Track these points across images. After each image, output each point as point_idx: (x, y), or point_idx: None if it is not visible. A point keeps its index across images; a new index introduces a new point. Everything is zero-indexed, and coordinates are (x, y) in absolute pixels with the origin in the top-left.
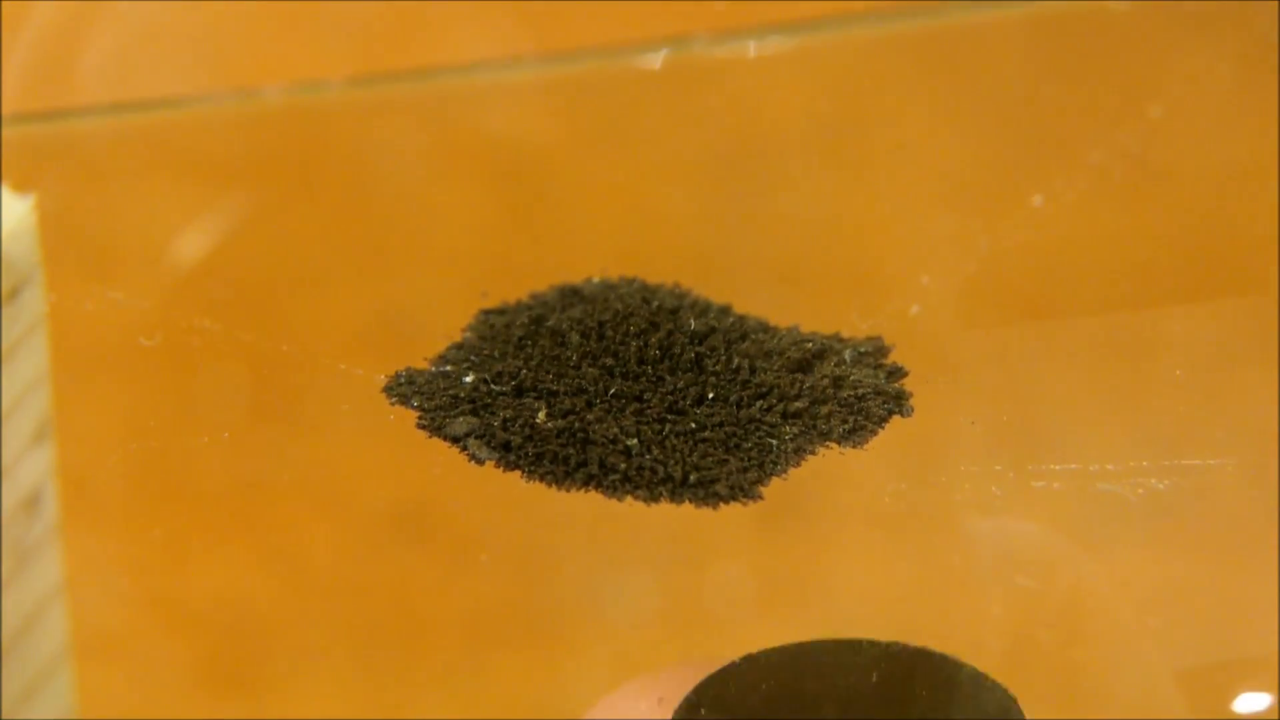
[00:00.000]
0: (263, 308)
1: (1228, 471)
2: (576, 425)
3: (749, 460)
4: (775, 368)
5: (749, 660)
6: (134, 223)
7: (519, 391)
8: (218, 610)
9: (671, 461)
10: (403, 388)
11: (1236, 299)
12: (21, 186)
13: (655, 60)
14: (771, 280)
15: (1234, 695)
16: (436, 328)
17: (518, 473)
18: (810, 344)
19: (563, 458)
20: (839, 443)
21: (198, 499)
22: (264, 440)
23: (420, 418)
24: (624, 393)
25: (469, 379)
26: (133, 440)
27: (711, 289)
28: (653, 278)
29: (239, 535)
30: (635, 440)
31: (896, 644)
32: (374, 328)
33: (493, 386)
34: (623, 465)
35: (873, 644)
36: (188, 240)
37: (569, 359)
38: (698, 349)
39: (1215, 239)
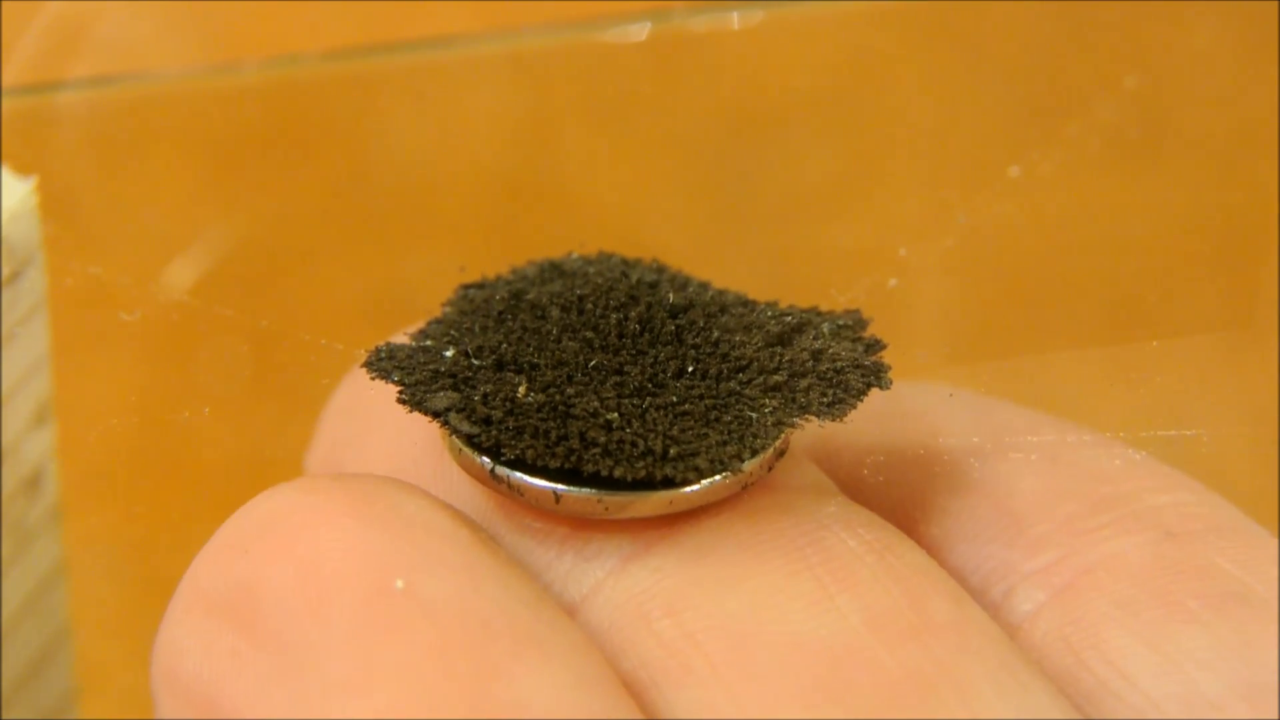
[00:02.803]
0: (263, 285)
1: (1204, 443)
2: (557, 399)
3: (729, 434)
4: (754, 341)
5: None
6: (133, 202)
7: (499, 366)
8: None
9: (652, 435)
10: (382, 362)
11: (1214, 271)
12: (21, 166)
13: (640, 32)
14: (751, 253)
15: None
16: (433, 303)
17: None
18: (789, 317)
19: (543, 432)
20: (818, 416)
21: (199, 479)
22: (265, 419)
23: (400, 392)
24: (604, 366)
25: (449, 353)
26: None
27: (691, 262)
28: (635, 250)
29: None
30: (615, 414)
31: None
32: (372, 303)
33: (473, 361)
34: (603, 439)
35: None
36: (188, 219)
37: (549, 333)
38: (677, 322)
39: (1193, 211)
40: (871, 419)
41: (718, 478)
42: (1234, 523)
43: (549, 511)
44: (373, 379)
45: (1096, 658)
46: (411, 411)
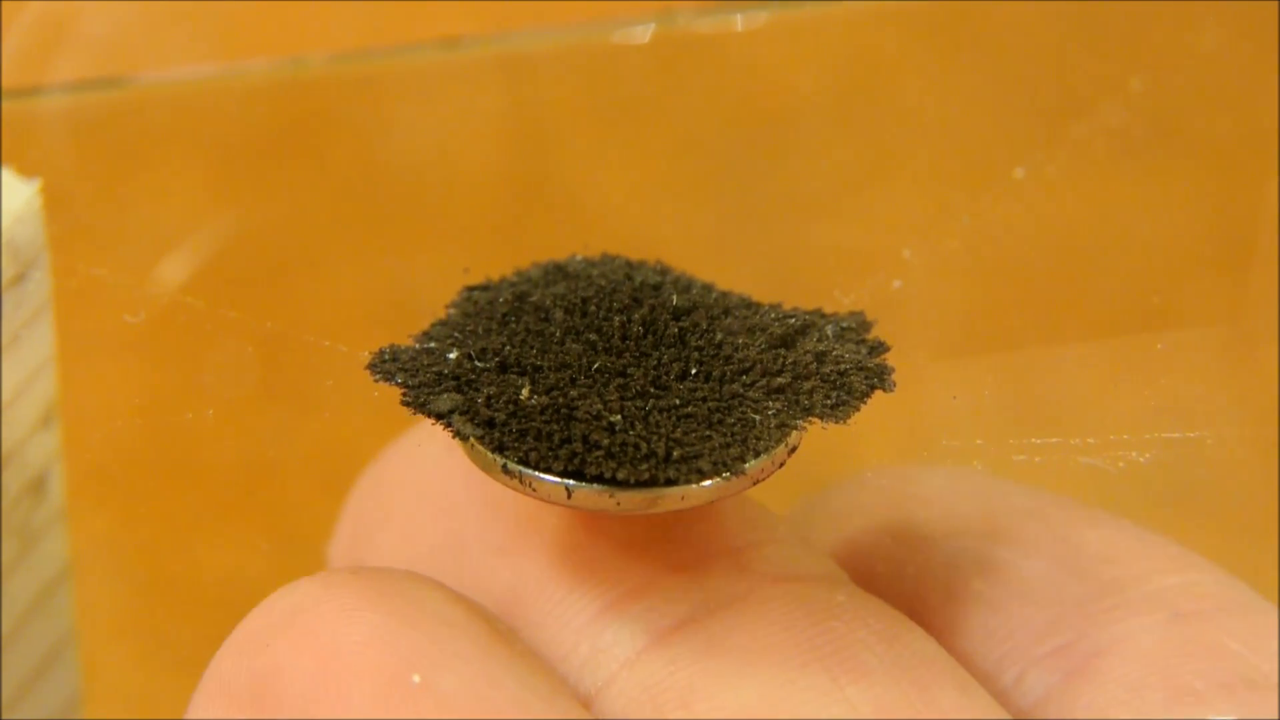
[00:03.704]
0: (269, 287)
1: (1208, 446)
2: (560, 402)
3: (732, 436)
4: (758, 343)
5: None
6: (138, 204)
7: (503, 368)
8: (224, 591)
9: (655, 438)
10: (386, 365)
11: (1219, 272)
12: (26, 168)
13: (645, 34)
14: (755, 254)
15: None
16: (438, 305)
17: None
18: (793, 319)
19: (546, 434)
20: (822, 418)
21: (204, 480)
22: (271, 421)
23: (404, 394)
24: (607, 368)
25: (453, 355)
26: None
27: (695, 263)
28: (639, 252)
29: (246, 516)
30: (619, 416)
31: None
32: (377, 305)
33: (476, 363)
34: (606, 442)
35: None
36: (194, 221)
37: (552, 335)
38: (680, 324)
39: (1198, 212)
40: (881, 502)
41: (729, 474)
42: (1243, 602)
43: (561, 506)
44: (377, 381)
45: None
46: (415, 413)
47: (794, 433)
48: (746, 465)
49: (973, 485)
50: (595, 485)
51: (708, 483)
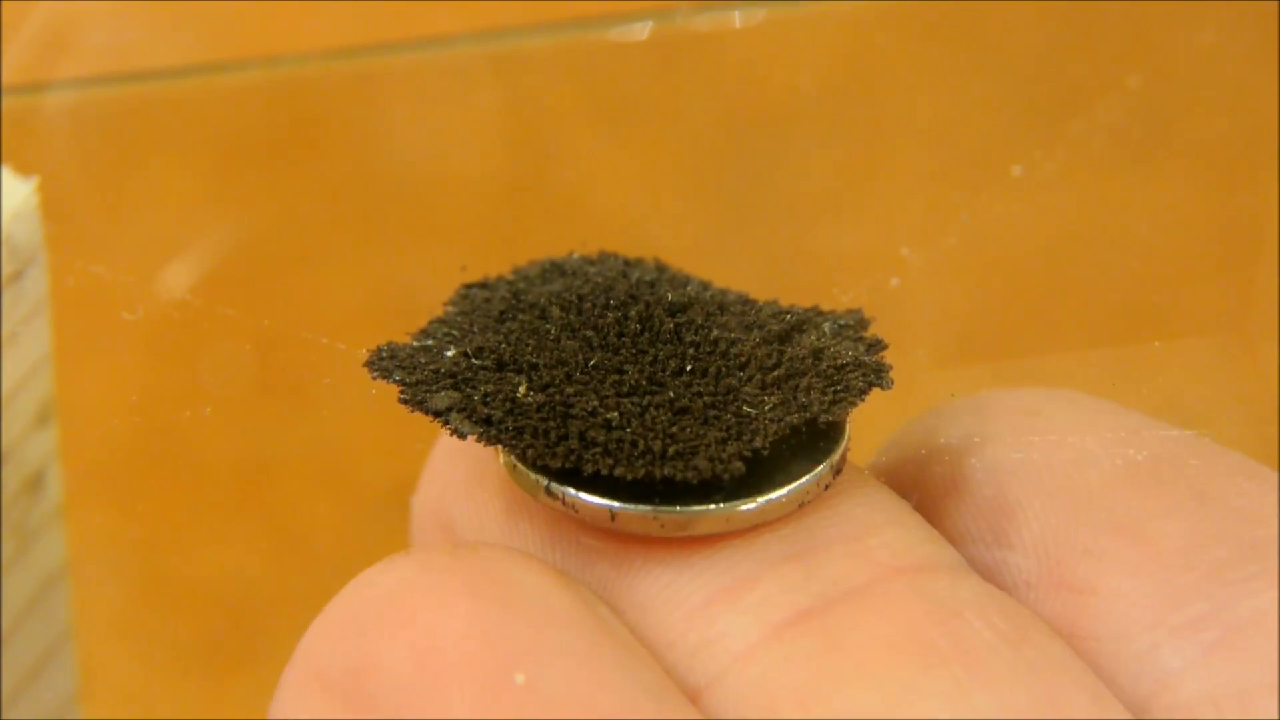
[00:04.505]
0: (266, 285)
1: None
2: (556, 398)
3: (729, 432)
4: (754, 340)
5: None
6: (135, 201)
7: (499, 366)
8: (221, 589)
9: (651, 434)
10: (384, 362)
11: (1217, 270)
12: (23, 166)
13: (642, 31)
14: (752, 252)
15: None
16: (435, 303)
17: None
18: (790, 316)
19: (543, 431)
20: (819, 415)
21: (201, 479)
22: (267, 419)
23: (402, 392)
24: (604, 365)
25: (450, 353)
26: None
27: (692, 261)
28: (636, 250)
29: (242, 514)
30: (615, 413)
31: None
32: (374, 302)
33: (473, 361)
34: (603, 438)
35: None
36: (190, 219)
37: (549, 332)
38: (676, 320)
39: (1196, 210)
40: (997, 432)
41: (773, 495)
42: None
43: (605, 529)
44: (375, 378)
45: None
46: (413, 411)
47: (837, 454)
48: (791, 489)
49: (1104, 419)
50: (641, 506)
51: (751, 505)
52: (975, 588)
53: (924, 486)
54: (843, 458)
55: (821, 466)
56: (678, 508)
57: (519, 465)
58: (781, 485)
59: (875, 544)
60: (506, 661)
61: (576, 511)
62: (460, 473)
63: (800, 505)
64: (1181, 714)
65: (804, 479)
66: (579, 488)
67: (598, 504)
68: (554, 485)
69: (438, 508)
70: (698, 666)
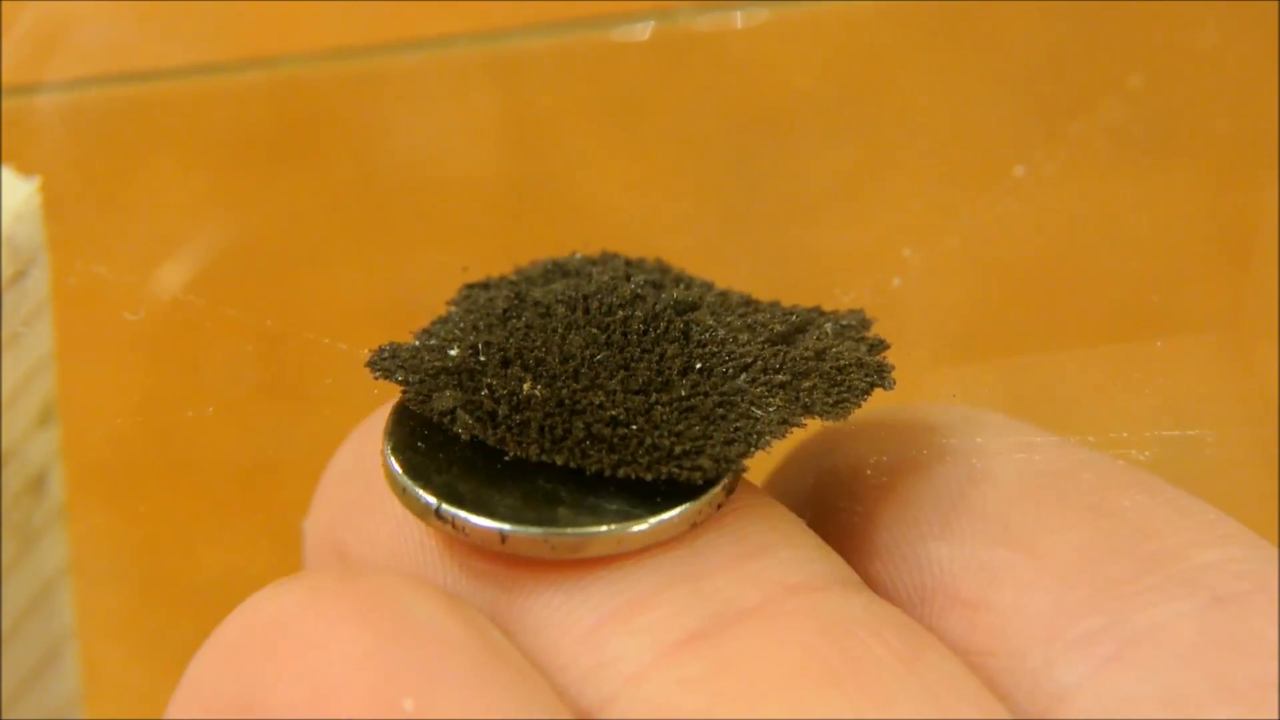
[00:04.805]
0: (268, 285)
1: (1208, 445)
2: (563, 395)
3: (734, 432)
4: (759, 341)
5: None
6: (136, 201)
7: (504, 363)
8: (224, 590)
9: (657, 432)
10: (387, 362)
11: (1219, 270)
12: (24, 166)
13: (644, 32)
14: (755, 252)
15: None
16: (437, 303)
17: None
18: (793, 317)
19: (549, 429)
20: (822, 415)
21: (203, 479)
22: (269, 419)
23: (405, 392)
24: (609, 363)
25: (454, 352)
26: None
27: (695, 262)
28: (639, 251)
29: (245, 514)
30: (621, 410)
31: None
32: (377, 303)
33: (478, 359)
34: (609, 435)
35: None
36: (192, 219)
37: (554, 330)
38: (683, 320)
39: (1197, 210)
40: (893, 449)
41: (665, 516)
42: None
43: (496, 552)
44: (377, 379)
45: None
46: (417, 410)
47: (731, 476)
48: (683, 509)
49: (1001, 435)
50: (531, 530)
51: (643, 526)
52: (869, 605)
53: (819, 504)
54: (736, 477)
55: (716, 487)
56: (569, 530)
57: (408, 489)
58: (674, 505)
59: (768, 563)
60: (395, 688)
61: (467, 535)
62: (352, 495)
63: (693, 525)
64: None
65: (697, 499)
66: (469, 510)
67: (488, 527)
68: (444, 508)
69: (330, 531)
70: (590, 689)
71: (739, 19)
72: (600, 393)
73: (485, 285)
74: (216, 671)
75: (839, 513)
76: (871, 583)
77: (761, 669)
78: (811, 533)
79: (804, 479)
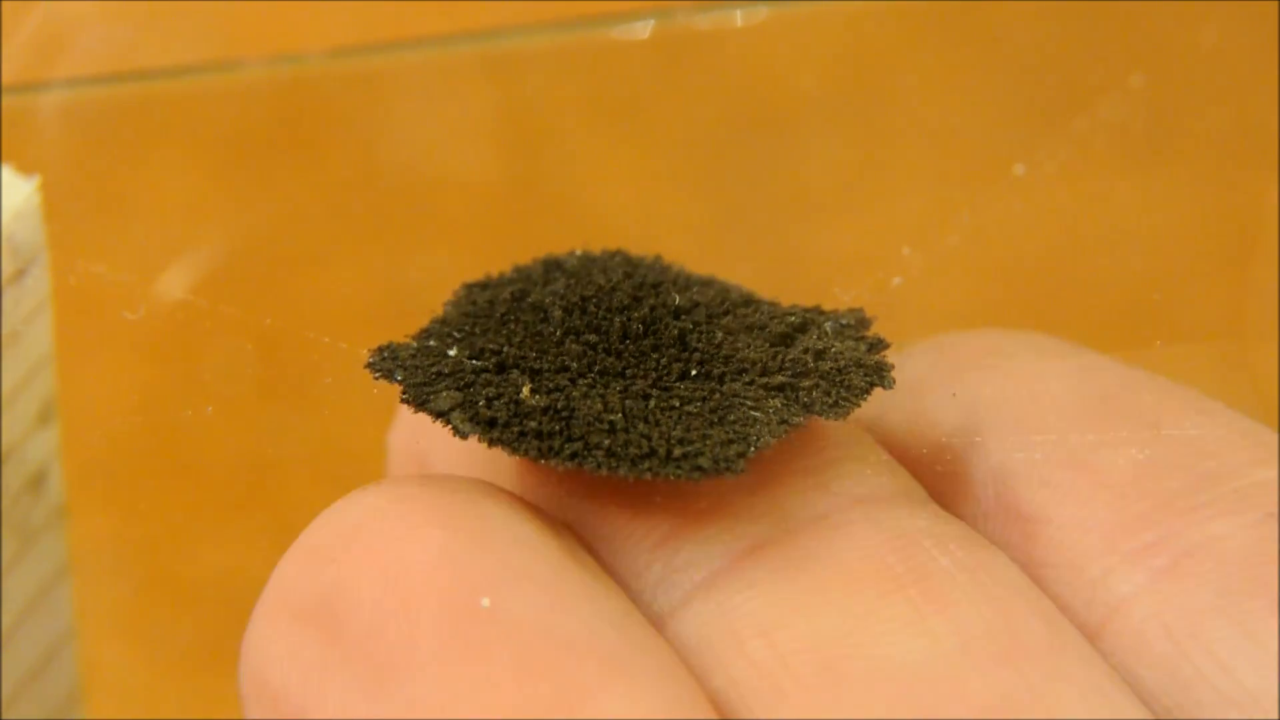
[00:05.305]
0: (268, 284)
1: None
2: (561, 402)
3: (733, 433)
4: (758, 342)
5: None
6: (136, 201)
7: (501, 368)
8: (223, 589)
9: (655, 436)
10: (385, 362)
11: (1219, 269)
12: (24, 165)
13: (644, 30)
14: (754, 251)
15: None
16: (437, 302)
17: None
18: (792, 317)
19: (547, 434)
20: (821, 415)
21: (202, 478)
22: (269, 418)
23: (403, 392)
24: (608, 369)
25: (452, 353)
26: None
27: (694, 260)
28: (638, 250)
29: (245, 513)
30: (619, 415)
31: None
32: (376, 302)
33: (476, 362)
34: (607, 441)
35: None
36: (192, 218)
37: (552, 334)
38: (680, 324)
39: (1198, 209)
40: (958, 373)
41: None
42: None
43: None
44: (376, 379)
45: (1196, 647)
46: (415, 412)
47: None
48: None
49: (1061, 358)
50: None
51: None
52: (932, 517)
53: (884, 421)
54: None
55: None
56: None
57: None
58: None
59: (836, 475)
60: (473, 587)
61: None
62: None
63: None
64: (1133, 638)
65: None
66: None
67: None
68: None
69: (412, 443)
70: (661, 596)
71: (739, 18)
72: (598, 400)
73: (484, 285)
74: (300, 572)
75: (904, 428)
76: (934, 497)
77: (827, 575)
78: (879, 448)
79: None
